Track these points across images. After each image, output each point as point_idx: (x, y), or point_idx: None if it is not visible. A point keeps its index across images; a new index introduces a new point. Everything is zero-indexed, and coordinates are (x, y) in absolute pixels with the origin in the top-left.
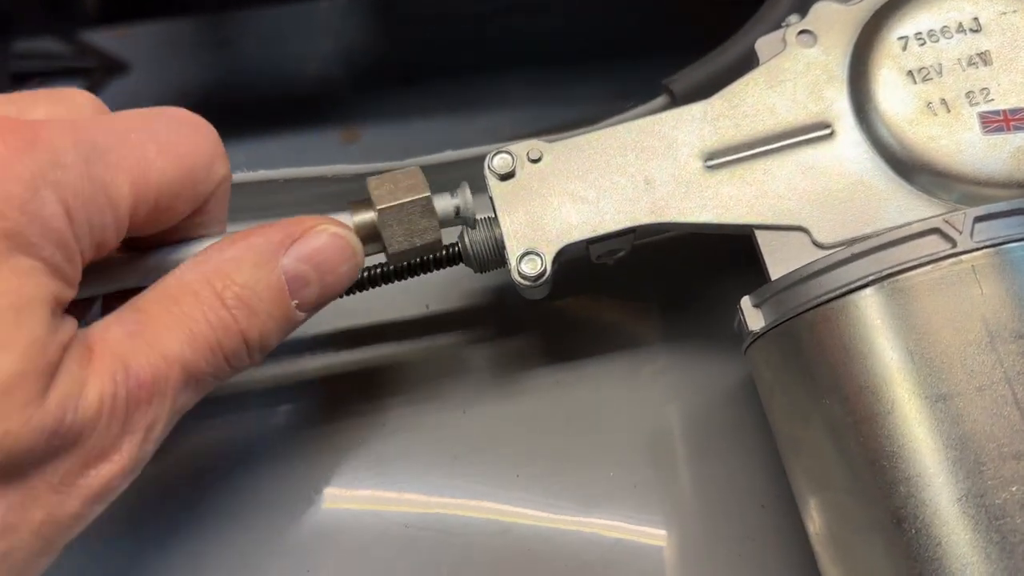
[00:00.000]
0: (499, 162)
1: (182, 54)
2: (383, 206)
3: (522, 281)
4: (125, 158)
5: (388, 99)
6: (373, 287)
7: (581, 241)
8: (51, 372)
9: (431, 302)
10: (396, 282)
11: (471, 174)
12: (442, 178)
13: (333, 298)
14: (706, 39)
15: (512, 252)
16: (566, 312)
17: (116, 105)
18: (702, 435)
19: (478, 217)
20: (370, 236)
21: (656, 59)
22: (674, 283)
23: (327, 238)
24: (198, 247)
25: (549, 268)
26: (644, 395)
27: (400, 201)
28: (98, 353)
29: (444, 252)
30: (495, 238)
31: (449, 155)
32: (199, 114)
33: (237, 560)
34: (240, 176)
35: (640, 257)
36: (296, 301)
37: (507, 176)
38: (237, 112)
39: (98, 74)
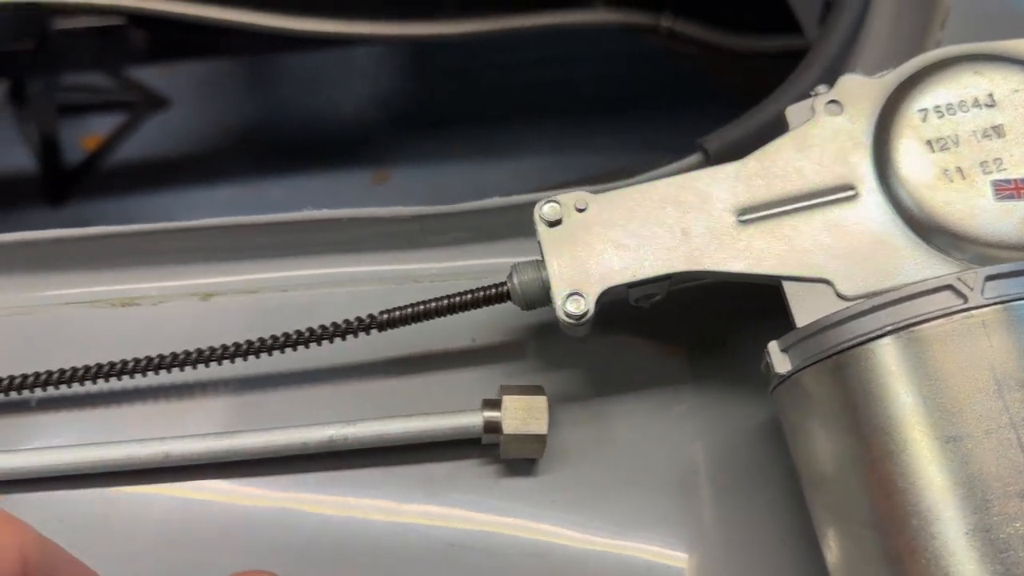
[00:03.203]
0: (548, 210)
1: (223, 93)
2: (509, 433)
3: (567, 319)
4: None
5: (418, 142)
6: (427, 319)
7: (622, 285)
8: None
9: (477, 336)
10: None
11: (520, 219)
12: (489, 223)
13: None
14: (729, 94)
15: (558, 292)
16: (603, 350)
17: (157, 139)
18: (727, 472)
19: (525, 260)
20: (492, 430)
21: (679, 111)
22: (702, 328)
23: None
24: None
25: (592, 309)
26: (673, 432)
27: (524, 432)
28: None
29: (493, 291)
30: (542, 279)
31: (498, 201)
32: (239, 151)
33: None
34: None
35: (672, 302)
36: None
37: (555, 223)
38: (274, 150)
39: (140, 108)
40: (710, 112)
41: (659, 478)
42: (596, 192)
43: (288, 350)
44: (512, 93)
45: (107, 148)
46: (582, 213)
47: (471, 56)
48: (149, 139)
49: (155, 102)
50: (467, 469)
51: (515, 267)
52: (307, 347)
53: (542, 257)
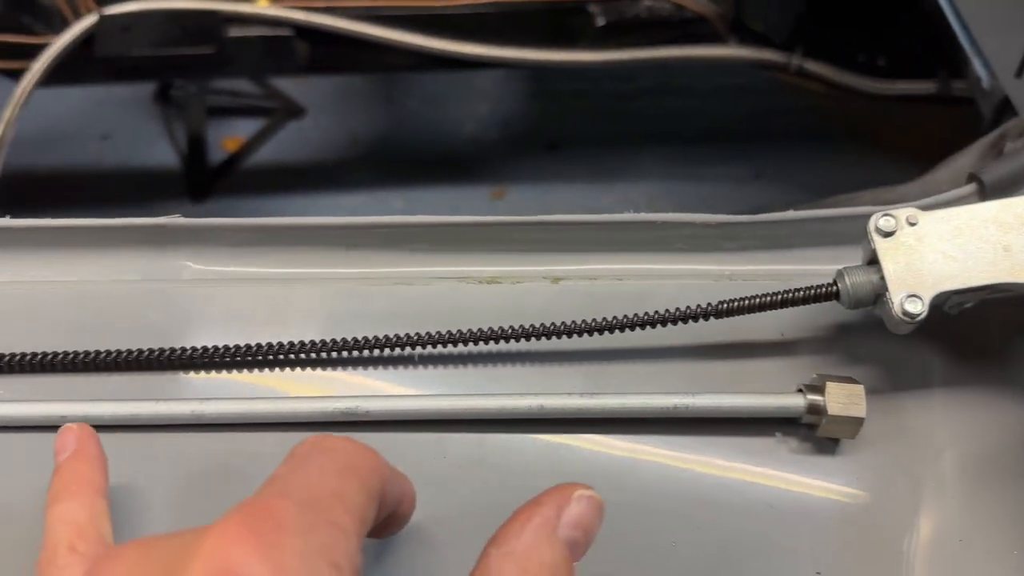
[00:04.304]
0: (883, 222)
1: (354, 106)
2: (833, 414)
3: (903, 318)
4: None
5: (533, 163)
6: (759, 311)
7: (952, 291)
8: None
9: (786, 331)
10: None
11: (802, 231)
12: (779, 233)
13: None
14: (846, 134)
15: (895, 293)
16: (896, 350)
17: (291, 146)
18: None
19: (853, 265)
20: (813, 411)
21: (793, 147)
22: (973, 334)
23: (585, 503)
24: None
25: (927, 310)
26: (957, 424)
27: (845, 415)
28: None
29: (823, 290)
30: (872, 282)
31: (788, 214)
32: (366, 162)
33: None
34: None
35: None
36: (575, 561)
37: (888, 234)
38: (398, 162)
39: (279, 115)
40: (823, 149)
41: (947, 464)
42: (924, 209)
43: (627, 330)
44: (627, 120)
45: (246, 150)
46: (913, 227)
47: (588, 82)
48: (284, 145)
49: (294, 110)
50: (778, 444)
51: (844, 271)
52: (653, 327)
53: (866, 262)
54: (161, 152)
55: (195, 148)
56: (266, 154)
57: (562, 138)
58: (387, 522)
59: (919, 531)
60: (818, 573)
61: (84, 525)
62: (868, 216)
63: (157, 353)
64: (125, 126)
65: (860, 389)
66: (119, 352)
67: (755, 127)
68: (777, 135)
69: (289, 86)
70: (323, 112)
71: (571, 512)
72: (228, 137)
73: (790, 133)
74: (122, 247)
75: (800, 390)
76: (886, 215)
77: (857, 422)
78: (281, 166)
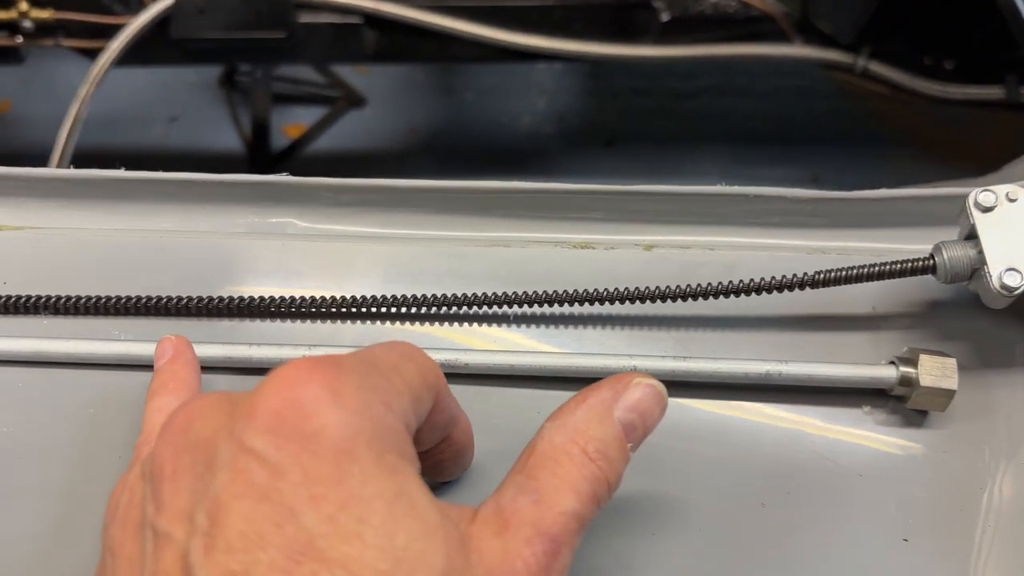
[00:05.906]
0: (983, 198)
1: (414, 96)
2: (925, 386)
3: (1001, 291)
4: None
5: (589, 158)
6: (855, 283)
7: None
8: (464, 542)
9: (877, 304)
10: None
11: (890, 210)
12: (870, 211)
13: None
14: (905, 137)
15: (994, 268)
16: (986, 326)
17: (351, 134)
18: None
19: (951, 239)
20: (905, 383)
21: (850, 150)
22: None
23: (644, 389)
24: None
25: None
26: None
27: (937, 387)
28: (514, 524)
29: (920, 263)
30: (969, 257)
31: (880, 193)
32: (424, 152)
33: None
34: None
35: None
36: (630, 444)
37: (988, 209)
38: (456, 153)
39: (340, 104)
40: (882, 153)
41: None
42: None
43: (720, 297)
44: (685, 118)
45: (308, 138)
46: (1013, 203)
47: (647, 79)
48: (345, 133)
49: (355, 100)
50: (866, 415)
51: (942, 244)
52: (747, 295)
53: (963, 237)
54: (225, 136)
55: (258, 133)
56: (327, 142)
57: (619, 134)
58: (443, 449)
59: (1005, 505)
60: (905, 540)
61: None
62: (961, 196)
63: (268, 301)
64: (192, 109)
65: (952, 362)
66: (231, 299)
67: (814, 129)
68: (836, 138)
69: (351, 76)
70: (383, 102)
71: (629, 396)
72: (290, 124)
73: (850, 136)
74: (232, 202)
75: (892, 362)
76: (986, 191)
77: (948, 394)
78: (341, 154)
